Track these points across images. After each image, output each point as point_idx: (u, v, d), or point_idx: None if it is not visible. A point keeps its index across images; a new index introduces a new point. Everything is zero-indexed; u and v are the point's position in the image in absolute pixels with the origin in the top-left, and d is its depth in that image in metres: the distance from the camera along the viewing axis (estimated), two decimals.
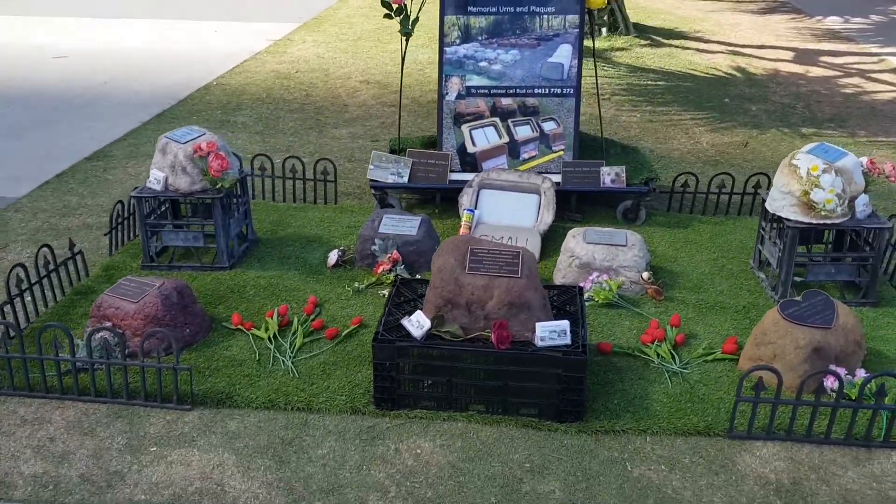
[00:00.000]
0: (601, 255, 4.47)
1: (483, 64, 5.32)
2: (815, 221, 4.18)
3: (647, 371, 3.79)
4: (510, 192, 5.16)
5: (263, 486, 3.13)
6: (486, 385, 3.46)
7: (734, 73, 9.43)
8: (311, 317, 4.25)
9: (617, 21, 10.97)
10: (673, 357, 3.86)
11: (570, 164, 5.26)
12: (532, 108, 5.33)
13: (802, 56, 10.29)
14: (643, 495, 3.09)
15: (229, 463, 3.25)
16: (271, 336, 4.06)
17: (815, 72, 9.54)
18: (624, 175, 5.24)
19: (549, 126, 5.33)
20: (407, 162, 5.38)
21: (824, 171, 4.13)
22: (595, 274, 4.44)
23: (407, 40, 5.38)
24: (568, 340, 3.41)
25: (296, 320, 4.16)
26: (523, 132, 5.34)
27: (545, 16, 5.24)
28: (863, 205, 4.22)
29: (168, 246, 4.90)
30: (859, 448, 3.32)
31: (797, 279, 4.41)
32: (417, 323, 3.47)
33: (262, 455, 3.29)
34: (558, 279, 4.57)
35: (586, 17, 5.32)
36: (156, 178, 4.75)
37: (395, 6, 5.21)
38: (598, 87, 6.25)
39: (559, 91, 5.29)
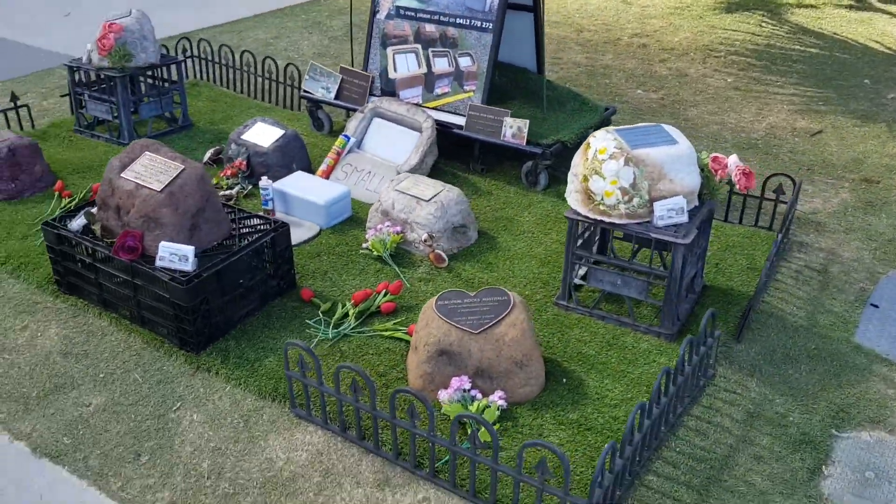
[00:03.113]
0: (400, 206, 4.07)
1: None
2: (590, 215, 3.40)
3: (300, 326, 3.47)
4: (397, 126, 4.81)
5: None
6: (122, 293, 3.44)
7: None
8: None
9: None
10: (342, 321, 3.48)
11: (477, 108, 4.74)
12: (452, 40, 4.84)
13: None
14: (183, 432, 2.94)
15: None
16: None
17: None
18: (525, 131, 4.60)
19: (464, 62, 4.82)
20: (337, 78, 5.23)
21: (611, 157, 3.31)
22: (387, 224, 4.07)
23: None
24: (189, 267, 3.25)
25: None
26: (440, 65, 4.89)
27: None
28: (667, 209, 3.32)
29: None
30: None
31: (578, 281, 3.65)
32: (80, 217, 3.53)
33: None
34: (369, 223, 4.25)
35: None
36: (87, 50, 5.18)
37: None
38: (541, 7, 5.31)
39: (479, 24, 4.73)
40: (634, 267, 3.43)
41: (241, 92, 6.10)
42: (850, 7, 8.75)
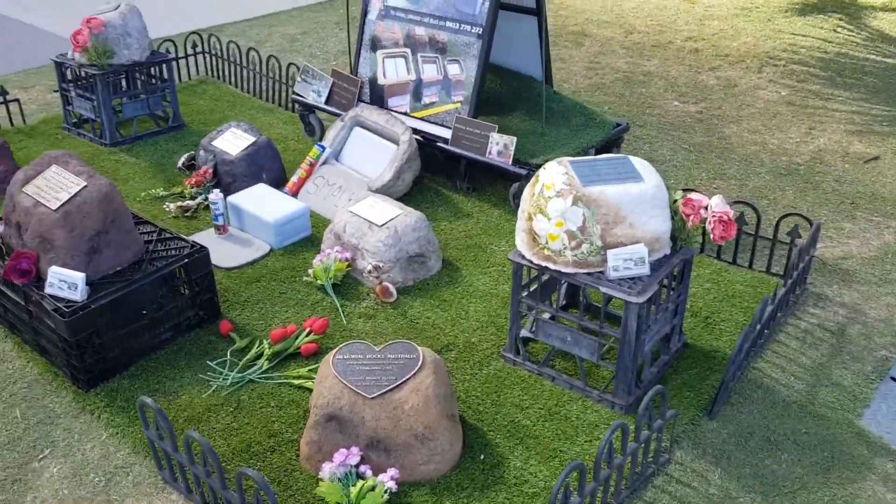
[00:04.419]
0: (352, 229, 3.66)
1: None
2: (535, 259, 2.90)
3: (202, 370, 3.10)
4: (376, 137, 4.39)
5: None
6: (21, 317, 3.16)
7: None
8: None
9: None
10: (249, 364, 3.09)
11: (464, 121, 4.27)
12: (441, 45, 4.38)
13: None
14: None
15: None
16: None
17: None
18: (512, 148, 4.11)
19: (453, 70, 4.35)
20: (328, 81, 4.86)
21: (558, 194, 2.80)
22: (337, 249, 3.67)
23: None
24: (78, 296, 2.93)
25: None
26: (429, 71, 4.44)
27: None
28: (623, 259, 2.79)
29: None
30: None
31: (525, 334, 3.15)
32: None
33: None
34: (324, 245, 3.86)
35: None
36: None
37: None
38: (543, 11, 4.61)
39: (468, 29, 4.25)
40: (584, 324, 2.91)
41: (247, 91, 5.80)
42: None
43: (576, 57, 6.62)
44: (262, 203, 3.93)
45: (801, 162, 4.92)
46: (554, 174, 2.84)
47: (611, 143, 4.55)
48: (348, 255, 3.63)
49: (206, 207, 4.21)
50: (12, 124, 5.24)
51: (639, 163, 2.93)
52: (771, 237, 3.73)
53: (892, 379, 3.20)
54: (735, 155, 4.98)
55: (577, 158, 2.92)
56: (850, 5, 7.91)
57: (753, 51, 6.75)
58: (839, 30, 7.24)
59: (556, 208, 2.79)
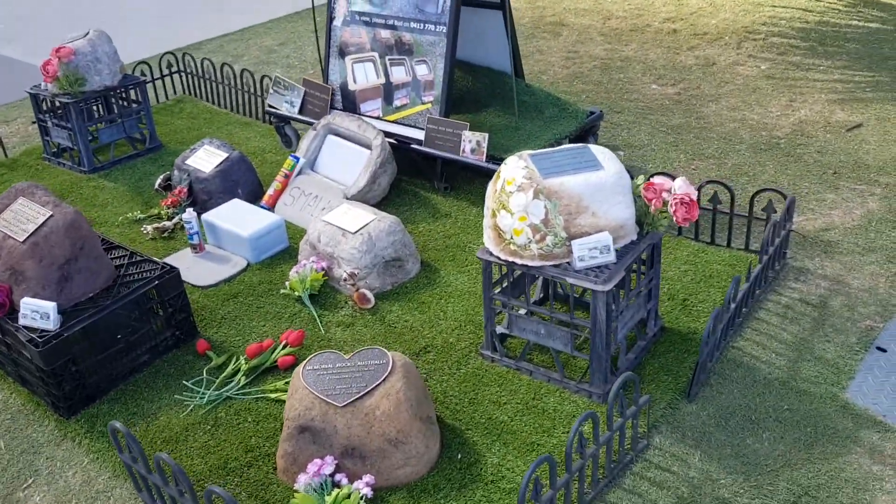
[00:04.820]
0: (326, 238, 3.66)
1: None
2: (502, 255, 2.89)
3: (180, 390, 3.11)
4: (349, 144, 4.39)
5: None
6: (1, 350, 3.18)
7: None
8: None
9: None
10: (226, 381, 3.10)
11: (435, 121, 4.26)
12: (407, 46, 4.38)
13: None
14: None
15: None
16: None
17: None
18: (485, 145, 4.10)
19: (421, 70, 4.34)
20: (300, 91, 4.86)
21: (519, 189, 2.79)
22: (312, 259, 3.67)
23: None
24: (51, 325, 2.95)
25: None
26: (398, 74, 4.44)
27: None
28: (588, 249, 2.78)
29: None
30: None
31: (501, 330, 3.14)
32: None
33: None
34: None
35: None
36: None
37: None
38: (508, 5, 4.48)
39: (433, 28, 4.24)
40: (556, 316, 2.90)
41: (223, 106, 5.82)
42: None
43: (554, 47, 6.60)
44: (237, 218, 3.94)
45: (781, 136, 4.88)
46: (514, 169, 2.83)
47: (586, 132, 4.53)
48: (324, 264, 3.63)
49: (183, 228, 4.22)
50: None
51: (599, 151, 2.92)
52: (746, 214, 3.70)
53: (879, 349, 3.17)
54: (714, 134, 4.95)
55: (536, 151, 2.91)
56: None
57: (732, 27, 6.70)
58: None
59: (518, 203, 2.77)
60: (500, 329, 3.16)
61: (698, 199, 3.54)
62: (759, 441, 2.77)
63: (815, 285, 3.52)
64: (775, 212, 3.56)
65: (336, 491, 2.48)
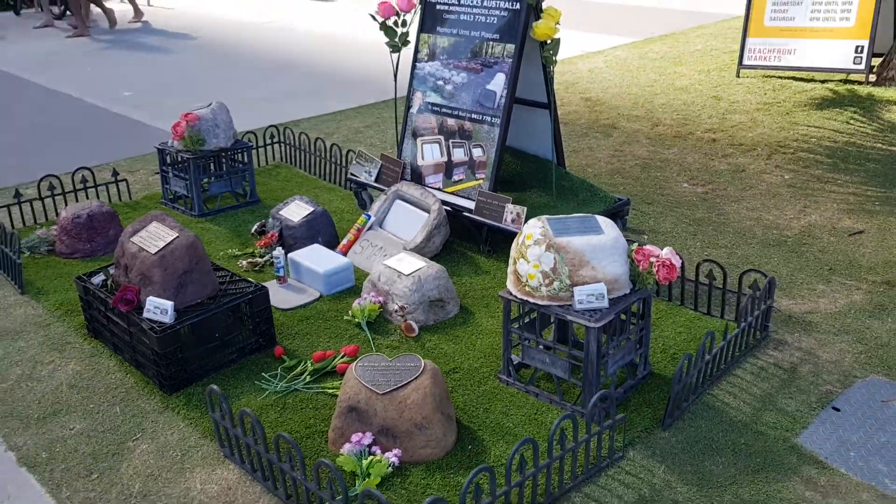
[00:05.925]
0: (384, 278, 4.50)
1: (440, 83, 5.44)
2: (518, 295, 3.67)
3: (259, 380, 3.93)
4: (412, 207, 5.28)
5: None
6: (124, 338, 4.08)
7: None
8: None
9: None
10: (295, 378, 3.91)
11: (485, 194, 5.13)
12: (468, 133, 5.29)
13: None
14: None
15: None
16: None
17: None
18: (523, 217, 4.93)
19: (477, 153, 5.24)
20: (378, 163, 5.81)
21: (535, 243, 3.59)
22: (372, 294, 4.50)
23: (397, 54, 5.72)
24: (168, 319, 3.83)
25: None
26: (458, 154, 5.34)
27: (490, 42, 5.14)
28: (586, 294, 3.54)
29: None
30: None
31: (517, 360, 3.88)
32: (101, 274, 4.23)
33: None
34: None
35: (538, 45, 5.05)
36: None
37: (381, 19, 5.61)
38: (553, 106, 5.43)
39: (489, 119, 5.16)
40: (559, 347, 3.64)
41: (313, 173, 6.81)
42: None
43: (603, 146, 7.46)
44: (316, 259, 4.82)
45: (790, 235, 5.56)
46: (533, 227, 3.64)
47: (614, 216, 5.32)
48: (381, 298, 4.46)
49: (272, 264, 5.13)
50: (120, 200, 6.34)
51: (602, 220, 3.71)
52: (736, 290, 4.39)
53: (834, 408, 3.78)
54: (730, 229, 5.67)
55: (553, 216, 3.72)
56: (866, 99, 8.57)
57: (766, 140, 7.47)
58: (852, 122, 7.90)
59: (534, 253, 3.57)
60: (515, 359, 3.90)
61: (696, 276, 4.28)
62: (715, 464, 3.41)
63: (789, 354, 4.16)
64: (759, 289, 4.25)
65: (371, 457, 3.23)
